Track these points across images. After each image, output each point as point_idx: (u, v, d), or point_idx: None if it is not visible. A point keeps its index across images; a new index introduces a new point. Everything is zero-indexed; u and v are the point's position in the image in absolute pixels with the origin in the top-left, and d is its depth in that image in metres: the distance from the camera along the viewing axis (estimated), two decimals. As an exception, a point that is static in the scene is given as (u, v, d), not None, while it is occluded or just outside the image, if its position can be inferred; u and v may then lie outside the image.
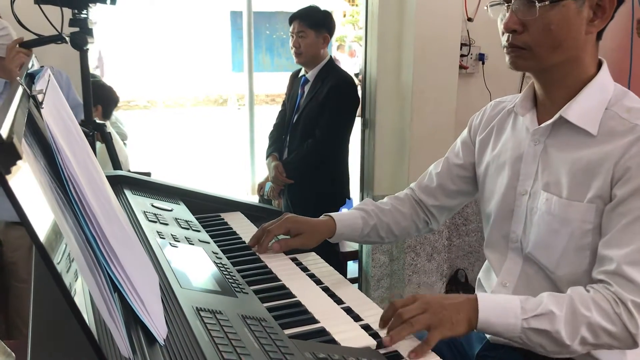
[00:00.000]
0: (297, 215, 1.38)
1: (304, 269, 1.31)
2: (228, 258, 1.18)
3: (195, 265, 1.05)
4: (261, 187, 3.18)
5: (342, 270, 2.93)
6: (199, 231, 1.30)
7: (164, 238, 1.15)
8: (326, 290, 1.21)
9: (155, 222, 1.25)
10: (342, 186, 3.03)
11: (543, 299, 1.03)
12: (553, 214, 1.12)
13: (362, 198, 3.18)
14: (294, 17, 2.92)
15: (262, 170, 3.12)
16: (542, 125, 1.16)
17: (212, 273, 1.04)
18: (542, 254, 1.17)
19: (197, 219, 1.41)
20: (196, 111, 12.69)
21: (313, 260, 1.36)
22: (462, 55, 2.95)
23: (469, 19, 2.95)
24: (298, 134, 2.92)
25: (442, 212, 1.47)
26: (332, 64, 2.96)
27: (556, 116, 1.12)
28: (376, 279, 3.11)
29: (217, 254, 1.16)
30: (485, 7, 1.17)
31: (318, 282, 1.26)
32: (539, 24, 1.05)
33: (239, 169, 6.93)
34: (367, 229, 1.42)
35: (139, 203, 1.37)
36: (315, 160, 2.85)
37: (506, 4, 1.10)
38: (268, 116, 3.94)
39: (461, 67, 2.95)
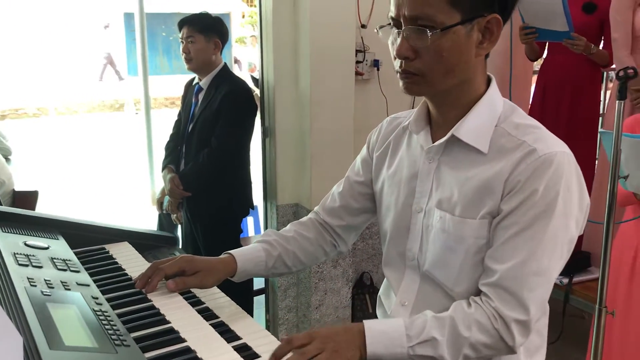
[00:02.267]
0: (193, 255, 1.31)
1: (197, 302, 1.24)
2: (110, 300, 1.09)
3: (69, 318, 0.95)
4: (160, 202, 3.05)
5: (248, 282, 2.86)
6: (78, 272, 1.18)
7: (35, 286, 1.04)
8: (221, 325, 1.15)
9: (26, 265, 1.13)
10: (244, 196, 2.95)
11: (426, 323, 1.04)
12: (448, 231, 1.13)
13: (265, 208, 3.13)
14: (183, 22, 2.82)
15: (162, 178, 2.99)
16: (436, 143, 1.16)
17: (89, 325, 0.94)
18: (439, 272, 1.17)
19: (78, 254, 1.30)
20: (91, 118, 12.08)
21: (209, 291, 1.29)
22: (357, 62, 2.97)
23: (363, 26, 2.96)
24: (194, 144, 2.82)
25: (349, 232, 1.44)
26: (226, 70, 2.88)
27: (448, 135, 1.13)
28: (283, 289, 3.06)
29: (97, 298, 1.06)
30: (376, 30, 1.14)
31: (212, 316, 1.19)
32: (431, 51, 1.04)
33: (138, 177, 6.66)
34: (271, 261, 1.36)
35: (9, 243, 1.24)
36: (212, 171, 2.76)
37: (397, 30, 1.08)
38: (167, 120, 3.80)
39: (357, 73, 2.96)
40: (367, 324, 1.05)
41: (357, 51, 2.96)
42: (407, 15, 1.04)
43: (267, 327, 3.21)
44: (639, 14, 2.65)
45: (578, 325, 3.19)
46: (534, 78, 3.55)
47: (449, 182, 1.14)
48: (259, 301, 3.31)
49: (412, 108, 1.28)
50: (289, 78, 2.91)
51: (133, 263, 1.35)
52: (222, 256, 1.33)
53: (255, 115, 2.86)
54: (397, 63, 1.10)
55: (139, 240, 1.49)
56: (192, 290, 1.29)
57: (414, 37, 1.04)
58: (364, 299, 3.20)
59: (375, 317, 1.36)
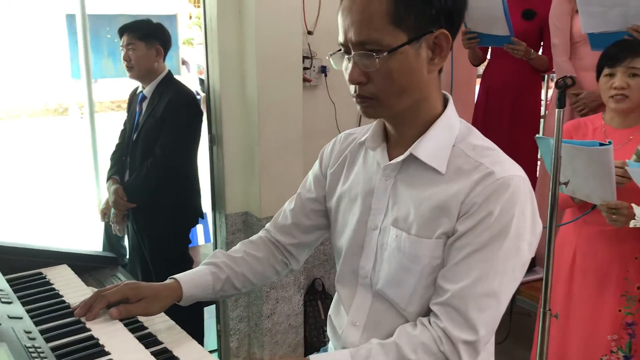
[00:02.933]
0: (137, 281, 1.27)
1: (140, 328, 1.21)
2: (46, 332, 1.04)
3: (-2, 358, 0.90)
4: (105, 212, 2.96)
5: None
6: (10, 303, 1.13)
7: (-39, 322, 0.98)
8: (164, 352, 1.12)
9: (-49, 298, 1.07)
10: (192, 206, 2.90)
11: (371, 350, 1.04)
12: (403, 250, 1.12)
13: (214, 217, 3.08)
14: (123, 29, 2.75)
15: (106, 190, 2.91)
16: (393, 161, 1.16)
17: (20, 363, 0.90)
18: (392, 291, 1.16)
19: (11, 282, 1.24)
20: (34, 122, 11.67)
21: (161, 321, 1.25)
22: (305, 68, 2.95)
23: (309, 32, 2.95)
24: (138, 153, 2.75)
25: (301, 250, 1.42)
26: (170, 78, 2.82)
27: (406, 153, 1.12)
28: (233, 298, 3.02)
29: (30, 333, 1.01)
30: (327, 57, 1.13)
31: (156, 342, 1.16)
32: (381, 74, 1.04)
33: (84, 185, 6.46)
34: (219, 284, 1.33)
35: None
36: (157, 181, 2.70)
37: (347, 56, 1.08)
38: (114, 124, 3.69)
39: (305, 80, 2.95)
40: (313, 357, 1.04)
41: (305, 57, 2.95)
42: (354, 41, 1.04)
43: (218, 338, 3.17)
44: (576, 20, 2.73)
45: (525, 323, 3.27)
46: (478, 81, 3.61)
47: (406, 201, 1.14)
48: (210, 311, 3.26)
49: (360, 117, 1.28)
50: (236, 84, 2.87)
51: (72, 288, 1.30)
52: (167, 281, 1.29)
53: (200, 122, 2.81)
54: (352, 88, 1.09)
55: (79, 262, 1.44)
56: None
57: (363, 61, 1.04)
58: (316, 305, 3.19)
59: (326, 323, 1.36)
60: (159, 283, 1.28)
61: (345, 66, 1.09)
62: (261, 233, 1.44)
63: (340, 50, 1.10)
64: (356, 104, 1.10)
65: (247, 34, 2.78)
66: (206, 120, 2.92)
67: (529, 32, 3.06)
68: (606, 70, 2.12)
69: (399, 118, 1.13)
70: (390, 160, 1.16)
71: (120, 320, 1.19)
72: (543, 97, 3.63)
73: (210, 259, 1.36)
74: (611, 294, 2.16)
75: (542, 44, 3.15)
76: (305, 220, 1.38)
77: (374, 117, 1.13)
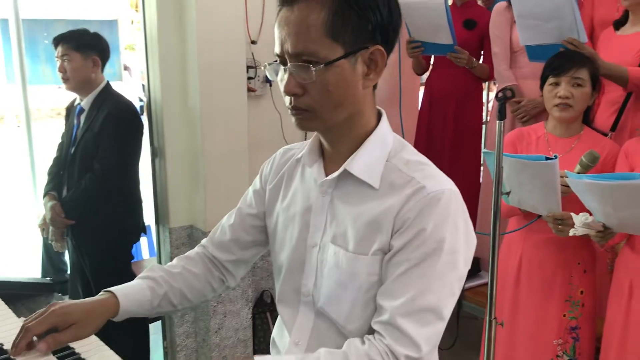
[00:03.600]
0: (66, 304, 1.18)
1: (71, 354, 1.14)
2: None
3: None
4: (43, 228, 2.83)
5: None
6: None
7: None
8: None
9: None
10: (134, 220, 2.82)
11: (320, 357, 1.03)
12: (341, 267, 1.12)
13: (157, 232, 2.99)
14: (58, 40, 2.65)
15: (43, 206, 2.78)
16: (328, 177, 1.15)
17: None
18: (332, 308, 1.15)
19: None
20: (-33, 131, 11.14)
21: (89, 343, 1.19)
22: (249, 78, 2.91)
23: (253, 42, 2.91)
24: (76, 168, 2.65)
25: (239, 266, 1.39)
26: (108, 89, 2.72)
27: (341, 169, 1.12)
28: (180, 314, 2.95)
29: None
30: (263, 67, 1.11)
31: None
32: (318, 86, 1.03)
33: (22, 198, 6.20)
34: (157, 300, 1.28)
35: None
36: (96, 196, 2.60)
37: (283, 67, 1.06)
38: (53, 132, 3.54)
39: (249, 89, 2.91)
40: (259, 358, 1.02)
41: (249, 67, 2.91)
42: (290, 52, 1.03)
43: (165, 355, 3.08)
44: (515, 30, 2.79)
45: (472, 327, 3.31)
46: (422, 89, 3.66)
47: (343, 217, 1.13)
48: (156, 327, 3.16)
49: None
50: (178, 95, 2.81)
51: (0, 322, 1.22)
52: (102, 296, 1.22)
53: (141, 135, 2.72)
54: (287, 100, 1.08)
55: (9, 291, 1.35)
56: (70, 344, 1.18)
57: (299, 73, 1.03)
58: (264, 317, 3.15)
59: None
60: (93, 299, 1.21)
61: (281, 77, 1.07)
62: (197, 249, 1.40)
63: (276, 61, 1.09)
64: (291, 116, 1.09)
65: (188, 42, 2.72)
66: (147, 131, 2.84)
67: (471, 41, 3.12)
68: (551, 80, 2.16)
69: (333, 132, 1.13)
70: (326, 177, 1.16)
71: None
72: (485, 100, 3.72)
73: (148, 272, 1.31)
74: (556, 299, 2.21)
75: (482, 52, 3.21)
76: (244, 236, 1.35)
77: (309, 129, 1.12)
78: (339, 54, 1.02)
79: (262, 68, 1.13)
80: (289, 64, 1.04)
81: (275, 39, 1.07)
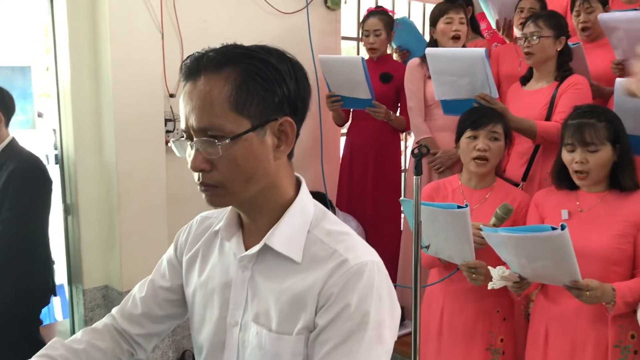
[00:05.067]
0: None
1: None
2: None
3: None
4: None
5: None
6: None
7: None
8: None
9: None
10: (42, 283, 2.63)
11: None
12: (264, 348, 1.06)
13: (70, 293, 2.83)
14: None
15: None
16: (248, 252, 1.09)
17: None
18: None
19: None
20: None
21: None
22: (167, 131, 2.86)
23: (171, 95, 2.87)
24: (-21, 229, 2.47)
25: (150, 339, 1.30)
26: (14, 145, 2.57)
27: (261, 244, 1.07)
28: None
29: None
30: (170, 144, 1.07)
31: None
32: (225, 161, 1.00)
33: None
34: None
35: None
36: (0, 259, 2.43)
37: (189, 142, 1.02)
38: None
39: (168, 143, 2.84)
40: None
41: (167, 120, 2.85)
42: (195, 127, 1.00)
43: None
44: (429, 85, 2.90)
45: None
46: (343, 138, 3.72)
47: (265, 294, 1.08)
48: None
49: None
50: (92, 148, 2.71)
51: None
52: None
53: (49, 191, 2.57)
54: (195, 176, 1.03)
55: None
56: None
57: (206, 148, 0.99)
58: (187, 379, 3.01)
59: None
60: None
61: (189, 153, 1.03)
62: (106, 319, 1.31)
63: (182, 136, 1.05)
64: (201, 192, 1.05)
65: (103, 94, 2.66)
66: (59, 188, 2.70)
67: (387, 94, 3.21)
68: (468, 133, 2.24)
69: (248, 206, 1.09)
70: (246, 250, 1.10)
71: None
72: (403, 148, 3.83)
73: (47, 350, 1.20)
74: (477, 348, 2.25)
75: (399, 105, 3.32)
76: (157, 310, 1.26)
77: (220, 205, 1.08)
78: (245, 127, 0.99)
79: (169, 145, 1.09)
80: (195, 139, 1.01)
81: (180, 114, 1.04)
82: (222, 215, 1.19)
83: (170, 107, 2.87)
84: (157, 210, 2.75)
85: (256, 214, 1.10)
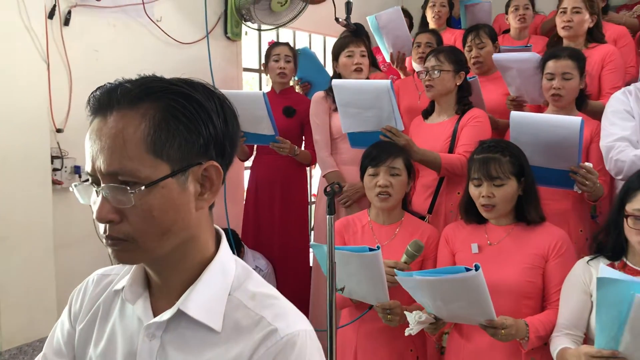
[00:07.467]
0: None
1: None
2: None
3: None
4: None
5: None
6: None
7: None
8: None
9: None
10: None
11: None
12: None
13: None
14: None
15: None
16: (157, 319, 0.93)
17: None
18: None
19: None
20: None
21: None
22: (55, 169, 2.61)
23: (59, 130, 2.64)
24: None
25: None
26: None
27: (174, 309, 0.92)
28: None
29: None
30: (72, 189, 0.91)
31: None
32: (139, 212, 0.85)
33: None
34: None
35: None
36: None
37: (95, 188, 0.87)
38: None
39: (55, 182, 2.60)
40: None
41: (54, 157, 2.61)
42: (103, 171, 0.85)
43: None
44: (334, 118, 2.87)
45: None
46: (246, 173, 3.61)
47: None
48: None
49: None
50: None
51: None
52: None
53: None
54: (101, 227, 0.88)
55: None
56: None
57: (115, 196, 0.85)
58: None
59: None
60: None
61: (94, 200, 0.88)
62: None
63: (87, 180, 0.90)
64: (107, 247, 0.89)
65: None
66: None
67: (291, 128, 3.16)
68: (370, 170, 2.21)
69: (161, 263, 0.94)
70: (155, 316, 0.94)
71: None
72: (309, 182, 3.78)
73: None
74: (393, 388, 2.19)
75: (304, 138, 3.26)
76: None
77: (129, 262, 0.93)
78: (163, 172, 0.86)
79: (71, 189, 0.92)
80: (102, 185, 0.86)
81: (86, 154, 0.88)
82: (123, 271, 1.03)
83: (58, 142, 2.63)
84: (42, 257, 2.48)
85: (169, 272, 0.95)
